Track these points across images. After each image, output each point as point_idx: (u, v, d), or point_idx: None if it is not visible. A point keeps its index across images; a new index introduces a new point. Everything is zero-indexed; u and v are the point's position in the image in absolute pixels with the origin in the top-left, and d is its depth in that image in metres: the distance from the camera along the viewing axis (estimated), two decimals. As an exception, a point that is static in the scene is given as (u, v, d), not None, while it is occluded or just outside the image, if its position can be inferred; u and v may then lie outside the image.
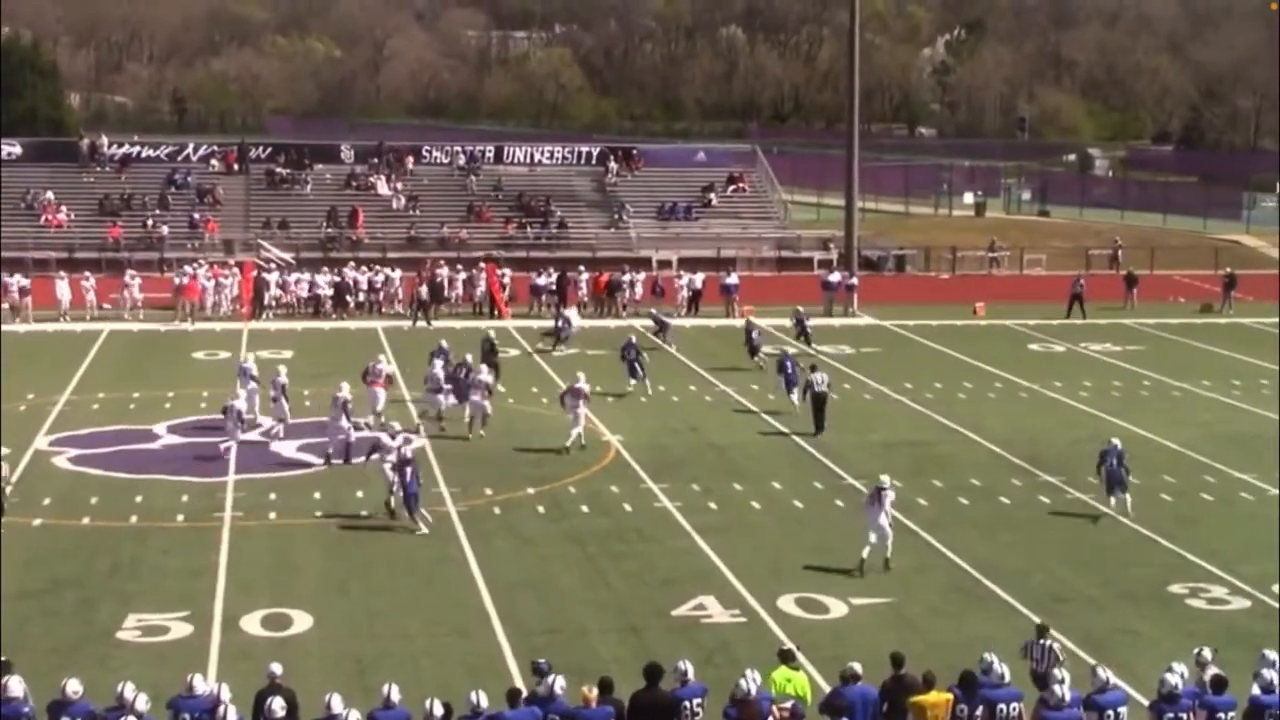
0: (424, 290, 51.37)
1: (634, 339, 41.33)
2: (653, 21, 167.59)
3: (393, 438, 28.71)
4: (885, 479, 26.50)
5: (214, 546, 26.87)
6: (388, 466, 28.34)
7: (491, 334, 42.93)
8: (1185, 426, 37.17)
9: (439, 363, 36.95)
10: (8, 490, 28.32)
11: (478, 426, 35.13)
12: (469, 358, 37.26)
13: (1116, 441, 30.15)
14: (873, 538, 25.74)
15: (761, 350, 43.38)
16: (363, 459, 30.31)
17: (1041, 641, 19.07)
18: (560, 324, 46.21)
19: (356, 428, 32.87)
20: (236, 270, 54.66)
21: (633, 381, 39.82)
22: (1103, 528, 28.85)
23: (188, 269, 53.41)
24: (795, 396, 37.22)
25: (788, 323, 51.04)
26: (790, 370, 37.70)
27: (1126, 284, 57.38)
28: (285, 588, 24.75)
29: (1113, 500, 29.39)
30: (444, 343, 39.42)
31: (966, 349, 47.65)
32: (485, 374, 35.97)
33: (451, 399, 35.99)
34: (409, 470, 27.79)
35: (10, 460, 32.06)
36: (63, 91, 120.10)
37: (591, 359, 44.29)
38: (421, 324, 50.32)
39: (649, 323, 47.53)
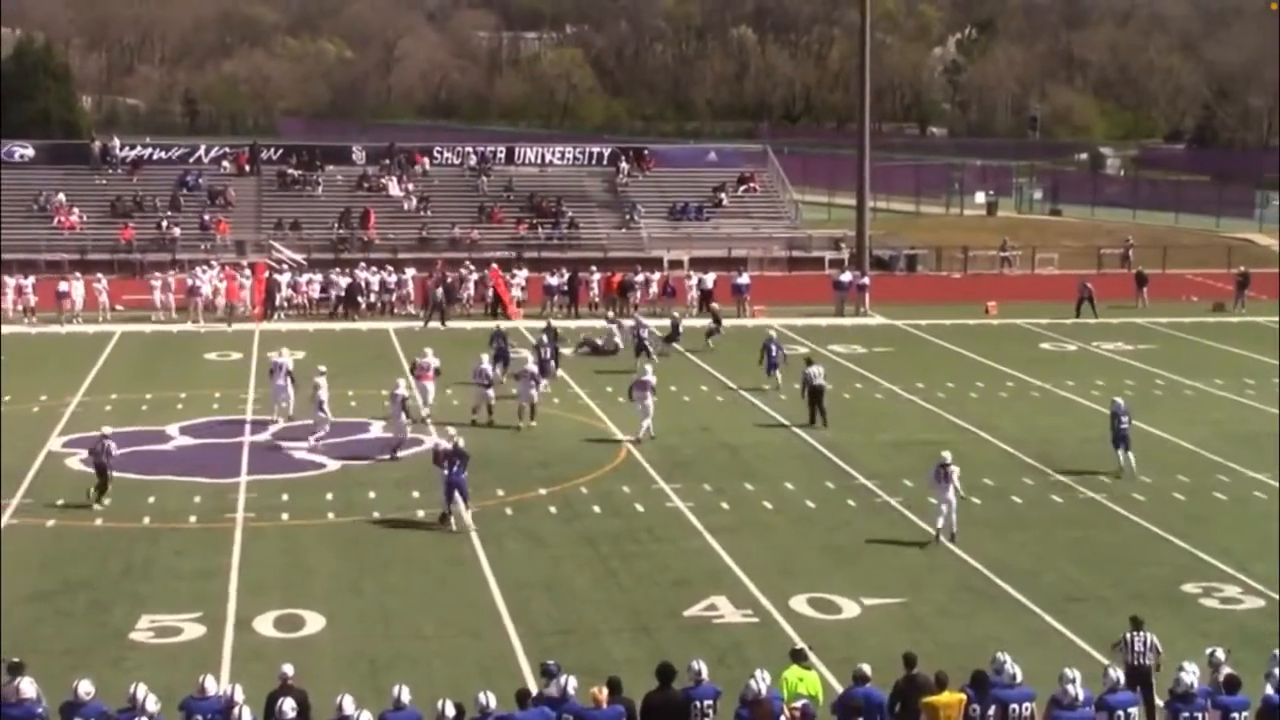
0: (440, 292, 51.52)
1: (642, 321, 44.09)
2: (663, 22, 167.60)
3: (448, 441, 28.68)
4: (947, 455, 27.64)
5: (226, 547, 26.91)
6: (447, 474, 28.28)
7: (551, 322, 44.12)
8: (1198, 425, 37.11)
9: (485, 357, 37.66)
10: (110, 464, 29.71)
11: (526, 417, 35.89)
12: (544, 338, 40.37)
13: (1121, 400, 32.94)
14: (943, 510, 27.30)
15: (678, 340, 45.66)
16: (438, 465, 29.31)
17: (1141, 634, 19.05)
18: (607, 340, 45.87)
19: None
20: (249, 271, 54.76)
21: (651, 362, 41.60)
22: (1114, 527, 28.83)
23: (199, 270, 53.56)
24: (779, 377, 39.98)
25: (798, 321, 51.15)
26: (774, 353, 40.19)
27: (1137, 283, 57.24)
28: (298, 589, 24.78)
29: (1120, 457, 31.91)
30: (501, 326, 41.91)
31: (978, 348, 47.60)
32: (531, 365, 37.16)
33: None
34: (458, 462, 27.90)
35: (23, 461, 32.23)
36: (75, 94, 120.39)
37: (606, 360, 44.42)
38: (435, 325, 50.39)
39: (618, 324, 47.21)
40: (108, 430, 30.54)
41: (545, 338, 41.18)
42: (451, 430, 29.41)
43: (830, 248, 66.69)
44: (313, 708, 17.06)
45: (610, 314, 49.39)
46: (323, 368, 35.77)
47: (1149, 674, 18.81)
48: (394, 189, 67.43)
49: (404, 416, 33.16)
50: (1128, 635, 19.16)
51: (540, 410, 36.54)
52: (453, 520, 27.95)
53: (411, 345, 45.55)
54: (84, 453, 33.32)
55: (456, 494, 27.99)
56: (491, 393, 36.44)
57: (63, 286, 50.65)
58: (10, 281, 51.30)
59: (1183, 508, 30.15)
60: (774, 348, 40.47)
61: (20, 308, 50.56)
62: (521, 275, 55.20)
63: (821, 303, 54.43)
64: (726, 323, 47.67)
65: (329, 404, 34.53)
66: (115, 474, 30.78)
